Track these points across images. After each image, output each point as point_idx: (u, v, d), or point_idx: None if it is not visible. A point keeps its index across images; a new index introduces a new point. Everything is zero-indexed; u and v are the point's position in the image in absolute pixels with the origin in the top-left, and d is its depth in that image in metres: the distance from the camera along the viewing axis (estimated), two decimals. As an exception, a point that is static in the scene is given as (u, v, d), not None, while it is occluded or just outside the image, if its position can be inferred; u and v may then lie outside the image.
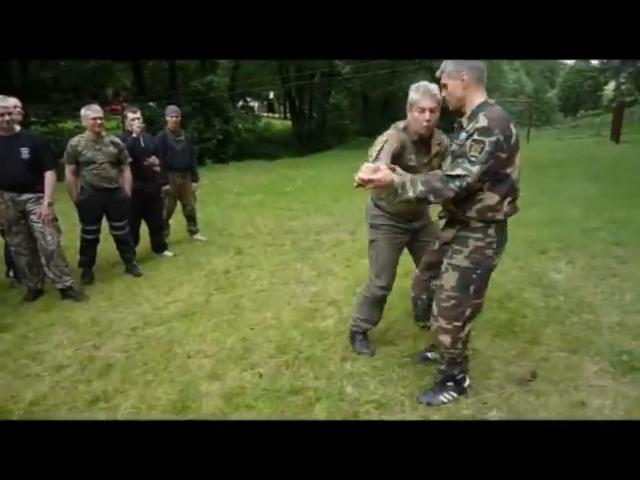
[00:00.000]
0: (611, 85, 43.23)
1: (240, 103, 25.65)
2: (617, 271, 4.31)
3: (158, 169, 5.14)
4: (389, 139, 2.53)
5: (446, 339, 2.42)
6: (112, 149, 4.53)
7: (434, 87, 2.59)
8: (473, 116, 2.19)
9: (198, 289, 4.38)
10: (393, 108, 28.65)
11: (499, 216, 2.22)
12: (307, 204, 8.33)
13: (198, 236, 6.10)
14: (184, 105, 16.02)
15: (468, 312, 2.36)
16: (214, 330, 3.52)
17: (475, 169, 2.08)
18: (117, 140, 4.66)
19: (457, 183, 2.11)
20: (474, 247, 2.27)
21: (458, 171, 2.11)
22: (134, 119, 5.04)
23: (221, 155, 17.56)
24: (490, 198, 2.19)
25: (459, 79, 2.22)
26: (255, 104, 37.51)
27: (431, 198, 2.15)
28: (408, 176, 2.19)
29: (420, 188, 2.13)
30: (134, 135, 5.01)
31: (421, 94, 2.59)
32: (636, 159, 11.75)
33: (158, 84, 20.52)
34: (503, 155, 2.12)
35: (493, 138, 2.07)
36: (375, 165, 2.13)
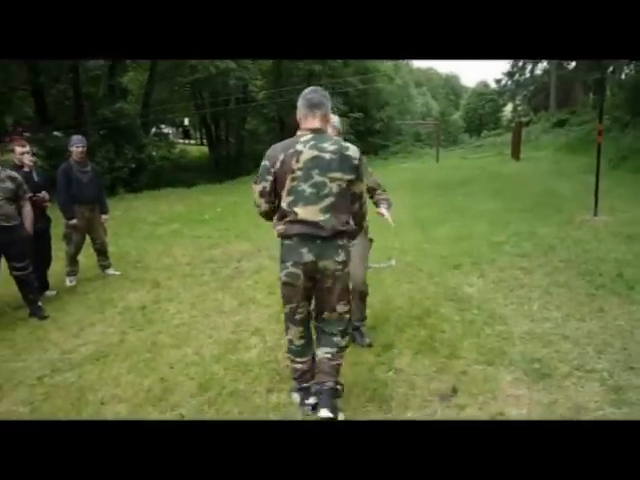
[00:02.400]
0: (509, 107, 46.80)
1: (153, 130, 24.93)
2: (524, 282, 4.59)
3: (48, 204, 4.97)
4: None
5: None
6: (9, 184, 4.22)
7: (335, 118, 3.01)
8: None
9: (111, 328, 4.12)
10: (309, 132, 29.11)
11: (276, 231, 2.54)
12: (227, 231, 8.19)
13: (110, 271, 5.78)
14: (92, 134, 15.35)
15: (283, 316, 2.76)
16: (130, 372, 3.30)
17: (255, 185, 2.58)
18: (14, 174, 4.35)
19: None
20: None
21: None
22: (23, 153, 4.83)
23: (134, 184, 16.82)
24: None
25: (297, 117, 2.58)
26: (170, 131, 36.71)
27: None
28: None
29: None
30: (25, 169, 4.79)
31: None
32: (534, 175, 12.74)
33: (63, 112, 19.42)
34: (271, 177, 2.48)
35: (263, 162, 2.51)
36: None
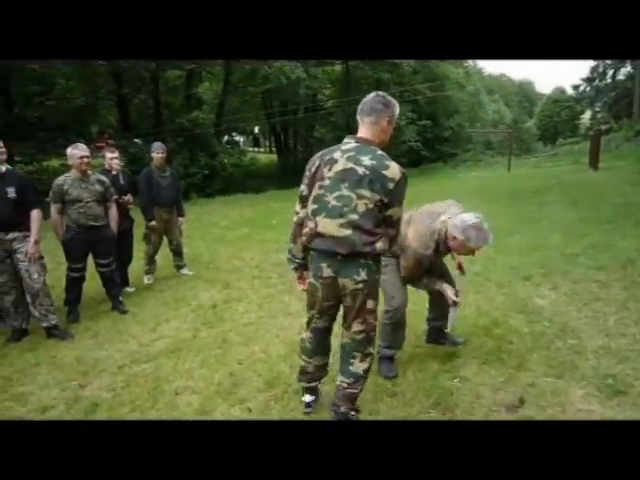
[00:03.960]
0: (587, 114, 44.50)
1: (225, 138, 25.91)
2: (599, 295, 4.38)
3: (131, 207, 5.36)
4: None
5: None
6: (98, 187, 4.58)
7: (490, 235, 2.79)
8: None
9: (185, 324, 4.36)
10: (376, 140, 29.11)
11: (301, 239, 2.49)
12: (293, 236, 8.35)
13: (185, 271, 6.10)
14: (169, 141, 16.18)
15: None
16: (202, 366, 3.49)
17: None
18: (103, 178, 4.72)
19: None
20: None
21: None
22: (112, 158, 5.30)
23: (207, 190, 17.60)
24: None
25: None
26: (240, 139, 37.95)
27: None
28: None
29: None
30: (113, 172, 5.22)
31: (478, 239, 2.75)
32: (614, 185, 12.04)
33: (144, 121, 20.66)
34: (307, 182, 2.46)
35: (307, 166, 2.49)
36: None
